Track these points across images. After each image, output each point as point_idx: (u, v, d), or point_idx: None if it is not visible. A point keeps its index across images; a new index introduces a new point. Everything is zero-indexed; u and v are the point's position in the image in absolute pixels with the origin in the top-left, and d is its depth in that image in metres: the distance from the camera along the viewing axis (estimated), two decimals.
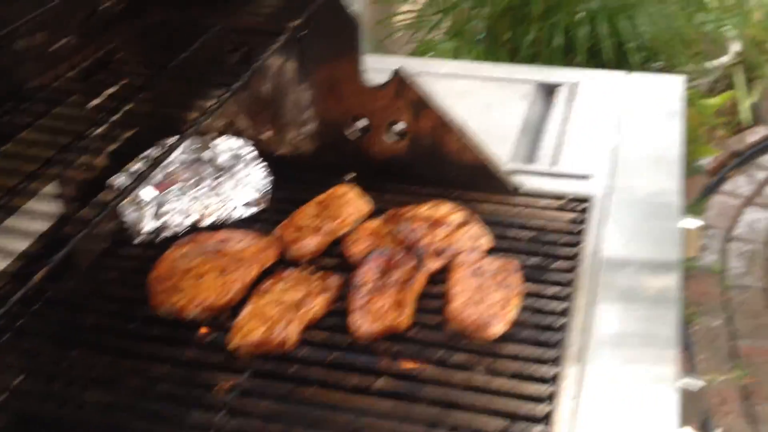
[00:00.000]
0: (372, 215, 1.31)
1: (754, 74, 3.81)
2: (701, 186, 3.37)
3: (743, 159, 3.61)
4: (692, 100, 3.18)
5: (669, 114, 1.67)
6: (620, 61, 2.68)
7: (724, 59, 3.61)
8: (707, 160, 3.44)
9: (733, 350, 2.64)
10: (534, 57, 2.69)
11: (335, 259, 1.22)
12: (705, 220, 3.21)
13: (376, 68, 1.40)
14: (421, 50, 2.86)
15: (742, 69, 3.74)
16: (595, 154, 1.52)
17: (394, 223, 1.25)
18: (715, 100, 3.45)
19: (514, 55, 2.80)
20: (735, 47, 3.64)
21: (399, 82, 1.36)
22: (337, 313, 1.10)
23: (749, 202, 3.37)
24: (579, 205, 1.34)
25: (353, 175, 1.41)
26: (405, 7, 3.18)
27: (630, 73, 1.85)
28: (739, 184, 3.47)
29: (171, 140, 1.24)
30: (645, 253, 1.29)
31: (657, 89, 1.76)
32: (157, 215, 1.23)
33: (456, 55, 2.83)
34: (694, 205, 3.23)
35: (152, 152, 1.28)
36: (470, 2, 2.99)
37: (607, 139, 1.57)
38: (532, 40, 2.71)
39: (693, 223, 1.55)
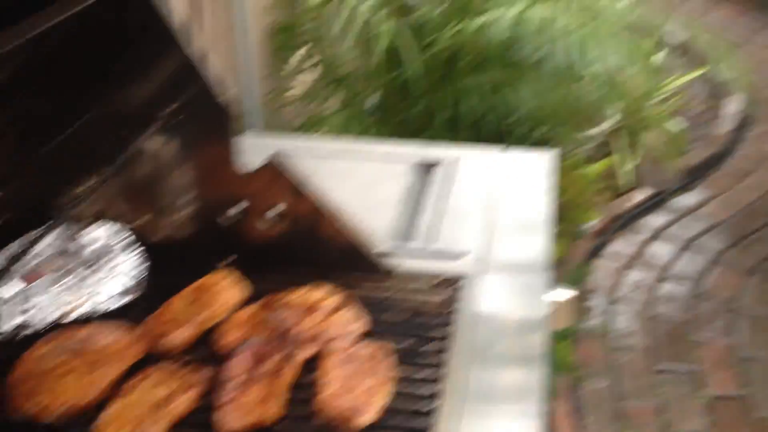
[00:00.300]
0: (249, 301, 1.30)
1: (635, 139, 4.05)
2: (585, 250, 3.51)
3: (625, 221, 3.79)
4: (575, 167, 3.34)
5: (541, 189, 1.75)
6: (505, 133, 2.79)
7: (604, 126, 3.81)
8: (591, 224, 3.59)
9: (620, 411, 2.73)
10: (422, 129, 2.77)
11: (208, 351, 1.20)
12: (589, 282, 3.34)
13: (262, 147, 1.43)
14: (311, 123, 2.90)
15: (623, 134, 3.96)
16: (470, 232, 1.57)
17: (268, 310, 1.25)
18: (596, 166, 3.63)
19: (404, 126, 2.88)
20: (615, 115, 3.86)
21: (275, 165, 1.38)
22: (208, 408, 1.08)
23: (632, 263, 3.53)
24: (453, 284, 1.38)
25: (232, 259, 1.41)
26: (300, 79, 3.23)
27: (507, 148, 1.93)
28: (622, 246, 3.64)
29: (37, 232, 1.21)
30: (516, 329, 1.33)
31: (531, 164, 1.84)
32: (20, 311, 1.19)
33: (346, 126, 2.88)
34: (579, 268, 3.36)
35: (15, 246, 1.25)
36: (361, 74, 3.07)
37: (483, 216, 1.63)
38: (421, 112, 2.80)
39: (564, 294, 1.62)
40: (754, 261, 3.64)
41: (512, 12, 2.41)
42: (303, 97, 3.10)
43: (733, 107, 5.03)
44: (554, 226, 1.68)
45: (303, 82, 3.17)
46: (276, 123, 3.03)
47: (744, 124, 4.89)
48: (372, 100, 3.01)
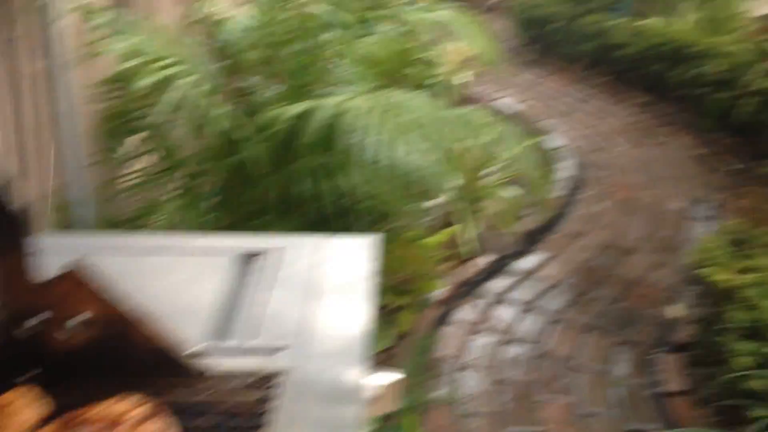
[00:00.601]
0: (49, 419, 1.23)
1: (475, 208, 4.22)
2: (432, 319, 3.59)
3: (470, 288, 3.91)
4: (416, 239, 3.44)
5: (364, 274, 1.77)
6: (343, 213, 2.83)
7: (443, 198, 3.95)
8: (436, 293, 3.68)
9: None
10: (260, 212, 2.77)
11: None
12: (437, 351, 3.40)
13: (73, 247, 1.37)
14: (146, 211, 2.84)
15: (463, 204, 4.13)
16: (291, 324, 1.56)
17: (68, 428, 1.18)
18: (438, 236, 3.75)
19: (242, 210, 2.87)
20: (453, 186, 4.02)
21: (79, 270, 1.33)
22: None
23: (477, 329, 3.64)
24: (269, 381, 1.36)
25: (33, 374, 1.33)
26: (135, 166, 3.16)
27: (333, 234, 1.95)
28: (468, 312, 3.75)
29: None
30: (335, 421, 1.33)
31: (354, 249, 1.87)
32: None
33: (183, 213, 2.84)
34: (426, 338, 3.42)
35: None
36: (198, 159, 3.04)
37: (305, 307, 1.63)
38: (259, 195, 2.80)
39: (388, 377, 1.64)
40: (591, 318, 3.84)
41: (333, 101, 2.49)
42: (138, 184, 3.03)
43: (565, 172, 5.37)
44: (377, 311, 1.70)
45: (138, 169, 3.11)
46: (109, 213, 2.94)
47: (575, 188, 5.23)
48: (210, 184, 2.99)
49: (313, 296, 1.66)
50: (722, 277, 3.13)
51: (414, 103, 2.61)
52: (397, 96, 2.61)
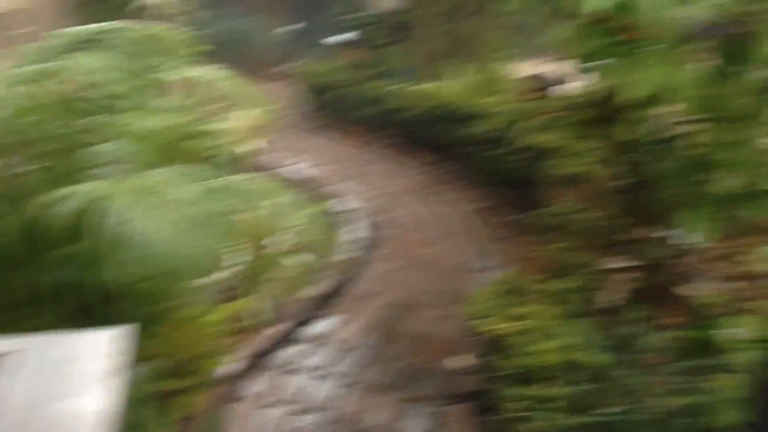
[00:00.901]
0: None
1: (265, 276, 4.19)
2: (221, 396, 3.49)
3: (261, 360, 3.85)
4: (195, 317, 3.34)
5: (111, 369, 1.69)
6: (108, 302, 2.69)
7: (229, 271, 3.89)
8: (224, 369, 3.58)
9: None
10: (15, 306, 2.58)
11: None
12: (227, 430, 3.30)
13: None
14: None
15: (252, 274, 4.07)
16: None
17: None
18: (222, 310, 3.67)
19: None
20: (240, 257, 3.97)
21: None
22: None
23: (272, 401, 3.57)
24: None
25: None
26: None
27: (80, 329, 1.84)
28: (261, 385, 3.67)
29: None
30: None
31: (103, 345, 1.78)
32: None
33: None
34: (214, 417, 3.31)
35: None
36: None
37: (45, 412, 1.52)
38: (13, 288, 2.61)
39: None
40: (386, 377, 3.89)
41: (86, 187, 2.39)
42: None
43: (358, 233, 5.49)
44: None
45: None
46: None
47: (368, 248, 5.35)
48: None
49: (54, 399, 1.56)
50: (495, 326, 3.31)
51: (177, 180, 2.55)
52: (159, 176, 2.54)
